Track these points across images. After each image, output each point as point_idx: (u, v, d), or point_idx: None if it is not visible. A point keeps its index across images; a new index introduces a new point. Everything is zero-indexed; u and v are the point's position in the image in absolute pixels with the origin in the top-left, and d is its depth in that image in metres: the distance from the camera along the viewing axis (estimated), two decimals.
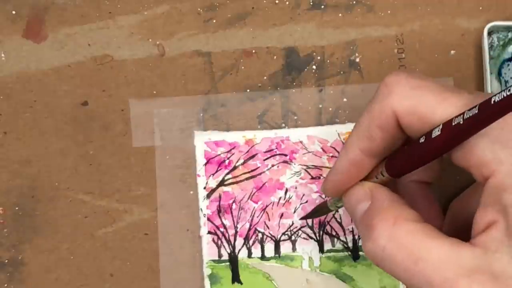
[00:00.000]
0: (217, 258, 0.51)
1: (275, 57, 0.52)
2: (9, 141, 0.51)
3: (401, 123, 0.37)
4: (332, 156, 0.51)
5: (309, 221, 0.51)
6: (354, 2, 0.52)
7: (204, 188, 0.51)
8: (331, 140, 0.51)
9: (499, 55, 0.50)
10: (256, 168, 0.51)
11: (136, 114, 0.51)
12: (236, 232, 0.51)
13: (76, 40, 0.52)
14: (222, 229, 0.51)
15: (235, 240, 0.51)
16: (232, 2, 0.52)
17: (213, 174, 0.51)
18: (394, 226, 0.36)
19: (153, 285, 0.51)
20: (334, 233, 0.51)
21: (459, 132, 0.33)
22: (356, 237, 0.51)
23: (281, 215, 0.51)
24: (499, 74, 0.50)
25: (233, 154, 0.51)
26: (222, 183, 0.51)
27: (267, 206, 0.51)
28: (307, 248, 0.51)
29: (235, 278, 0.51)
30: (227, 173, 0.51)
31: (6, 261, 0.51)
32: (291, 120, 0.51)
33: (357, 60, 0.51)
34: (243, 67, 0.51)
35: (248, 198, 0.51)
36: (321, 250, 0.51)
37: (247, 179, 0.51)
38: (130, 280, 0.51)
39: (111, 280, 0.51)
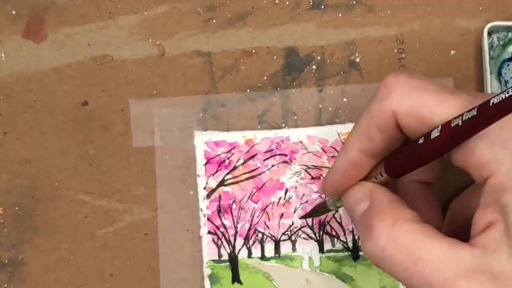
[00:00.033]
0: (217, 258, 0.51)
1: (275, 57, 0.52)
2: (9, 141, 0.51)
3: (400, 123, 0.37)
4: (332, 156, 0.51)
5: (309, 221, 0.51)
6: (354, 2, 0.51)
7: (204, 188, 0.51)
8: (331, 140, 0.51)
9: (499, 55, 0.50)
10: (256, 168, 0.51)
11: (136, 114, 0.51)
12: (236, 232, 0.51)
13: (76, 40, 0.52)
14: (222, 229, 0.51)
15: (235, 240, 0.51)
16: (232, 2, 0.52)
17: (213, 174, 0.51)
18: (394, 226, 0.36)
19: (153, 285, 0.51)
20: (334, 233, 0.51)
21: (458, 133, 0.33)
22: (356, 237, 0.51)
23: (281, 215, 0.51)
24: (499, 74, 0.50)
25: (233, 154, 0.51)
26: (222, 183, 0.51)
27: (267, 206, 0.51)
28: (307, 248, 0.51)
29: (235, 278, 0.51)
30: (227, 173, 0.51)
31: (6, 261, 0.51)
32: (291, 120, 0.51)
33: (357, 60, 0.51)
34: (243, 67, 0.51)
35: (248, 198, 0.51)
36: (321, 250, 0.51)
37: (247, 179, 0.51)
38: (130, 280, 0.51)
39: (111, 280, 0.51)
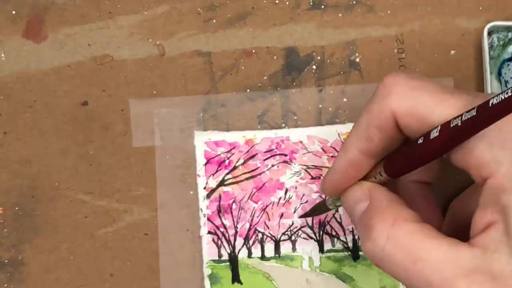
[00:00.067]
0: (217, 258, 0.51)
1: (275, 57, 0.52)
2: (9, 141, 0.51)
3: (400, 123, 0.37)
4: (332, 156, 0.51)
5: (309, 221, 0.51)
6: (354, 2, 0.51)
7: (204, 188, 0.51)
8: (331, 140, 0.51)
9: (499, 55, 0.50)
10: (256, 168, 0.51)
11: (136, 114, 0.51)
12: (236, 232, 0.51)
13: (76, 40, 0.52)
14: (222, 229, 0.51)
15: (235, 240, 0.51)
16: (232, 2, 0.52)
17: (213, 174, 0.51)
18: (393, 226, 0.36)
19: (153, 285, 0.51)
20: (334, 233, 0.51)
21: (457, 133, 0.33)
22: (356, 237, 0.51)
23: (281, 215, 0.51)
24: (499, 74, 0.50)
25: (233, 154, 0.51)
26: (222, 183, 0.51)
27: (267, 206, 0.51)
28: (307, 248, 0.51)
29: (235, 278, 0.51)
30: (227, 173, 0.51)
31: (6, 261, 0.51)
32: (291, 120, 0.51)
33: (357, 60, 0.51)
34: (243, 67, 0.52)
35: (248, 198, 0.51)
36: (321, 250, 0.51)
37: (247, 179, 0.51)
38: (130, 280, 0.51)
39: (111, 280, 0.51)
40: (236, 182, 0.51)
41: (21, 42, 0.52)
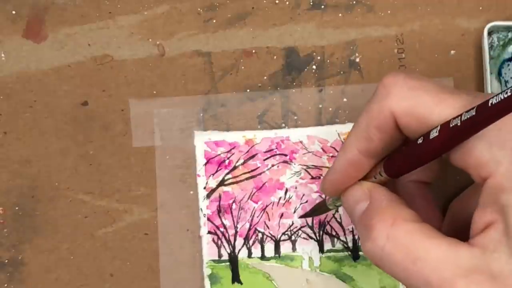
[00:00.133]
0: (217, 258, 0.51)
1: (275, 57, 0.52)
2: (9, 141, 0.51)
3: (399, 124, 0.37)
4: (332, 156, 0.51)
5: (309, 221, 0.51)
6: (354, 2, 0.51)
7: (204, 188, 0.51)
8: (331, 140, 0.51)
9: (499, 55, 0.50)
10: (256, 168, 0.51)
11: (136, 114, 0.51)
12: (236, 232, 0.51)
13: (76, 40, 0.52)
14: (222, 229, 0.51)
15: (235, 240, 0.51)
16: (232, 2, 0.52)
17: (213, 174, 0.51)
18: (393, 226, 0.36)
19: (153, 285, 0.51)
20: (334, 233, 0.51)
21: (457, 133, 0.33)
22: (356, 237, 0.51)
23: (281, 215, 0.51)
24: (499, 74, 0.50)
25: (233, 154, 0.51)
26: (222, 183, 0.51)
27: (267, 206, 0.51)
28: (307, 248, 0.51)
29: (235, 278, 0.51)
30: (227, 173, 0.51)
31: (6, 261, 0.51)
32: (291, 120, 0.51)
33: (357, 60, 0.51)
34: (243, 67, 0.52)
35: (248, 198, 0.51)
36: (321, 250, 0.51)
37: (247, 179, 0.51)
38: (130, 280, 0.51)
39: (111, 280, 0.51)
40: (236, 182, 0.51)
41: (21, 42, 0.52)
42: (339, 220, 0.51)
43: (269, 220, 0.51)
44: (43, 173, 0.51)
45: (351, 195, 0.41)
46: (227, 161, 0.51)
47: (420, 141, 0.35)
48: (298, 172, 0.51)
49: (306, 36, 0.52)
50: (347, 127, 0.51)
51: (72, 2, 0.52)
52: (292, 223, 0.51)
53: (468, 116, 0.32)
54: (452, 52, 0.51)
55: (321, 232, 0.51)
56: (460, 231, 0.37)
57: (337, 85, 0.51)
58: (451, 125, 0.33)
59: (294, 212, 0.51)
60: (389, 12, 0.51)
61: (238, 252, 0.51)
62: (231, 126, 0.51)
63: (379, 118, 0.37)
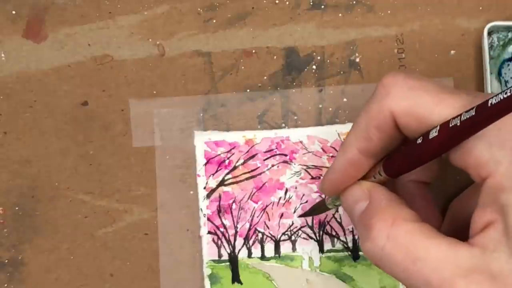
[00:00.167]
0: (217, 258, 0.51)
1: (275, 57, 0.52)
2: (9, 141, 0.51)
3: (399, 123, 0.37)
4: (332, 156, 0.51)
5: (309, 221, 0.51)
6: (354, 2, 0.51)
7: (204, 188, 0.51)
8: (331, 140, 0.51)
9: (499, 55, 0.50)
10: (256, 168, 0.51)
11: (136, 114, 0.51)
12: (236, 232, 0.51)
13: (76, 40, 0.52)
14: (222, 229, 0.51)
15: (235, 240, 0.51)
16: (232, 2, 0.52)
17: (213, 174, 0.51)
18: (393, 226, 0.36)
19: (153, 285, 0.51)
20: (334, 233, 0.51)
21: (456, 133, 0.33)
22: (356, 237, 0.51)
23: (281, 215, 0.51)
24: (499, 74, 0.50)
25: (233, 154, 0.51)
26: (222, 183, 0.51)
27: (267, 206, 0.51)
28: (307, 248, 0.51)
29: (235, 278, 0.51)
30: (227, 173, 0.51)
31: (6, 261, 0.51)
32: (291, 120, 0.51)
33: (357, 60, 0.51)
34: (243, 67, 0.52)
35: (248, 198, 0.51)
36: (321, 250, 0.51)
37: (247, 179, 0.51)
38: (130, 280, 0.51)
39: (111, 280, 0.51)
40: (236, 182, 0.51)
41: (21, 42, 0.52)
42: (339, 220, 0.51)
43: (269, 220, 0.51)
44: (43, 173, 0.51)
45: (350, 195, 0.41)
46: (227, 161, 0.51)
47: (419, 141, 0.36)
48: (298, 172, 0.51)
49: (306, 36, 0.52)
50: (347, 127, 0.51)
51: (72, 2, 0.52)
52: (292, 223, 0.51)
53: (468, 116, 0.32)
54: (452, 52, 0.51)
55: (321, 232, 0.51)
56: (460, 231, 0.37)
57: (337, 85, 0.51)
58: (450, 125, 0.33)
59: (294, 212, 0.51)
60: (389, 12, 0.51)
61: (238, 252, 0.51)
62: (231, 126, 0.51)
63: (378, 118, 0.37)
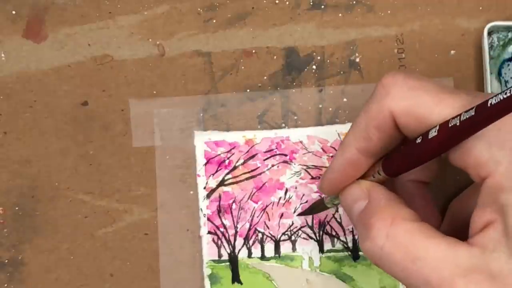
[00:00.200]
0: (217, 258, 0.51)
1: (275, 57, 0.52)
2: (9, 141, 0.51)
3: (398, 123, 0.37)
4: (332, 156, 0.51)
5: (309, 221, 0.51)
6: (354, 2, 0.51)
7: (204, 188, 0.51)
8: (331, 140, 0.51)
9: (499, 55, 0.50)
10: (256, 168, 0.51)
11: (136, 114, 0.51)
12: (236, 232, 0.51)
13: (76, 40, 0.52)
14: (222, 229, 0.51)
15: (235, 240, 0.51)
16: (232, 2, 0.52)
17: (213, 174, 0.51)
18: (392, 225, 0.36)
19: (153, 285, 0.51)
20: (334, 233, 0.51)
21: (456, 133, 0.33)
22: (356, 237, 0.51)
23: (281, 215, 0.51)
24: (499, 74, 0.50)
25: (233, 154, 0.51)
26: (222, 183, 0.51)
27: (267, 206, 0.51)
28: (307, 248, 0.51)
29: (235, 278, 0.51)
30: (227, 173, 0.51)
31: (6, 261, 0.51)
32: (291, 120, 0.51)
33: (357, 60, 0.51)
34: (243, 67, 0.52)
35: (248, 198, 0.51)
36: (321, 250, 0.51)
37: (247, 179, 0.51)
38: (130, 280, 0.51)
39: (111, 280, 0.51)
40: (236, 182, 0.51)
41: (21, 42, 0.52)
42: (339, 220, 0.51)
43: (269, 220, 0.51)
44: (43, 173, 0.51)
45: (349, 194, 0.41)
46: (227, 161, 0.51)
47: (419, 140, 0.36)
48: (298, 172, 0.51)
49: (306, 36, 0.52)
50: (347, 127, 0.51)
51: (72, 2, 0.52)
52: (292, 223, 0.51)
53: (467, 116, 0.32)
54: (452, 52, 0.51)
55: (321, 232, 0.51)
56: (459, 230, 0.37)
57: (337, 85, 0.51)
58: (450, 125, 0.33)
59: (294, 212, 0.51)
60: (389, 12, 0.51)
61: (238, 252, 0.51)
62: (231, 126, 0.51)
63: (378, 118, 0.37)
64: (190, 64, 0.52)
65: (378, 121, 0.37)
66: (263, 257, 0.51)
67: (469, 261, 0.33)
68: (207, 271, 0.51)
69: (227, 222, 0.51)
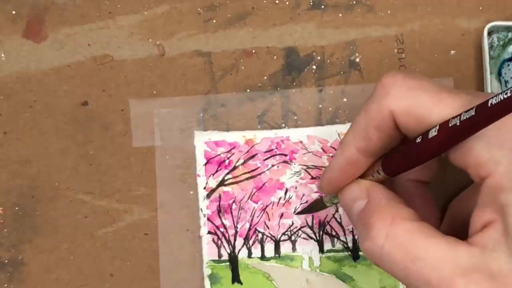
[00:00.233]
0: (217, 258, 0.51)
1: (275, 57, 0.52)
2: (9, 141, 0.51)
3: (398, 123, 0.37)
4: (332, 156, 0.51)
5: (309, 221, 0.51)
6: (354, 2, 0.51)
7: (204, 188, 0.51)
8: (331, 140, 0.51)
9: (499, 55, 0.50)
10: (256, 168, 0.51)
11: (136, 114, 0.51)
12: (236, 232, 0.51)
13: (76, 40, 0.52)
14: (222, 229, 0.51)
15: (235, 240, 0.51)
16: (232, 2, 0.52)
17: (213, 174, 0.51)
18: (392, 225, 0.36)
19: (153, 285, 0.51)
20: (334, 233, 0.51)
21: (456, 133, 0.33)
22: (356, 237, 0.51)
23: (281, 215, 0.51)
24: (499, 74, 0.50)
25: (233, 154, 0.51)
26: (222, 183, 0.51)
27: (267, 206, 0.51)
28: (307, 248, 0.51)
29: (235, 278, 0.51)
30: (227, 173, 0.51)
31: (6, 261, 0.51)
32: (291, 120, 0.51)
33: (357, 60, 0.51)
34: (243, 67, 0.52)
35: (248, 198, 0.51)
36: (321, 250, 0.51)
37: (247, 179, 0.51)
38: (130, 280, 0.51)
39: (111, 280, 0.51)
40: (236, 182, 0.51)
41: (21, 42, 0.52)
42: (339, 220, 0.51)
43: (269, 220, 0.51)
44: (43, 173, 0.51)
45: (348, 193, 0.41)
46: (227, 161, 0.51)
47: (418, 140, 0.36)
48: (298, 172, 0.51)
49: (306, 36, 0.52)
50: (347, 127, 0.50)
51: (72, 2, 0.52)
52: (292, 223, 0.51)
53: (467, 116, 0.32)
54: (452, 52, 0.51)
55: (321, 232, 0.51)
56: (459, 230, 0.37)
57: (337, 85, 0.51)
58: (450, 125, 0.33)
59: (294, 212, 0.51)
60: (389, 12, 0.51)
61: (238, 252, 0.51)
62: (231, 126, 0.51)
63: (378, 118, 0.37)
64: (190, 64, 0.52)
65: (377, 121, 0.37)
66: (263, 257, 0.51)
67: (469, 260, 0.33)
68: (207, 271, 0.51)
69: (227, 222, 0.51)
